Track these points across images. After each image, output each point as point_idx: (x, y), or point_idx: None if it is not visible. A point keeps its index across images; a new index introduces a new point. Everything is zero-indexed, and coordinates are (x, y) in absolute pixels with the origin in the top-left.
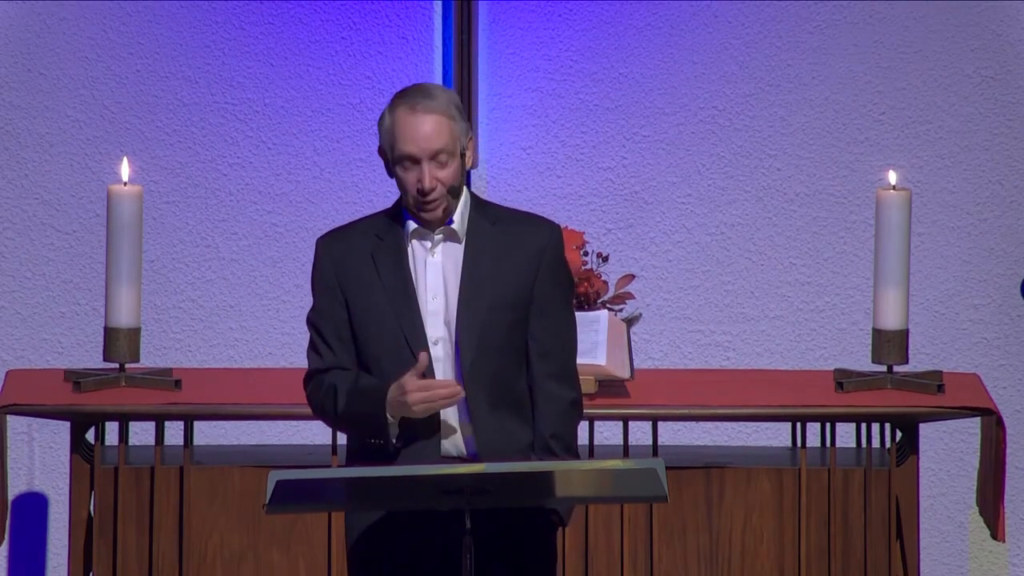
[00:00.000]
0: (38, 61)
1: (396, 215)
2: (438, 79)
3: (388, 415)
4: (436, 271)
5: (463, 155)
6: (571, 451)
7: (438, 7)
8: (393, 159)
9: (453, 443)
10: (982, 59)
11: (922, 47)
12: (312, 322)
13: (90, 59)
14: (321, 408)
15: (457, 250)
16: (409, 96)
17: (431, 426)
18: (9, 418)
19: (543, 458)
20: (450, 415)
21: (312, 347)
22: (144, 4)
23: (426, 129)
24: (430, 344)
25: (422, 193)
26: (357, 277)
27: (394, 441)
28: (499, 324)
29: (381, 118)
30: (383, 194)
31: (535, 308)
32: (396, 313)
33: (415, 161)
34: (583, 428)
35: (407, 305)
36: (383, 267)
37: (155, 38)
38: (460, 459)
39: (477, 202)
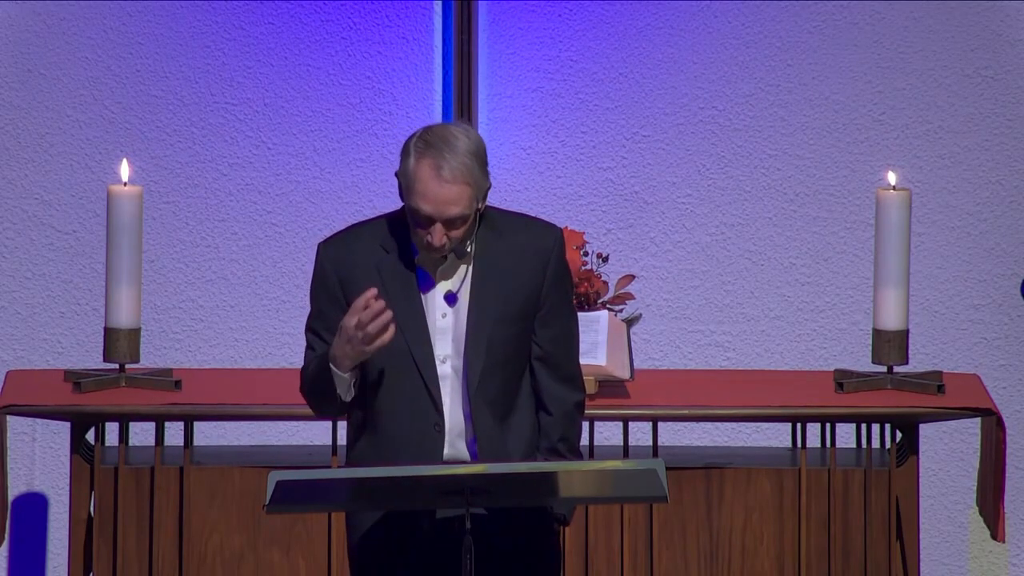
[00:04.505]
0: (38, 61)
1: (402, 226)
2: (438, 79)
3: (333, 366)
4: (445, 289)
5: (478, 210)
6: (575, 452)
7: (438, 7)
8: (407, 205)
9: (457, 453)
10: (982, 59)
11: (922, 47)
12: (311, 328)
13: (90, 59)
14: (302, 391)
15: (465, 267)
16: (435, 149)
17: (435, 435)
18: (10, 418)
19: (548, 459)
20: (455, 427)
21: (311, 351)
22: (144, 4)
23: (447, 197)
24: (437, 362)
25: (430, 247)
26: (362, 289)
27: (346, 398)
28: (507, 338)
29: (405, 151)
30: (383, 194)
31: (541, 316)
32: (403, 331)
33: (430, 219)
34: (583, 428)
35: (416, 324)
36: (391, 284)
37: (155, 38)
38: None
39: (483, 213)
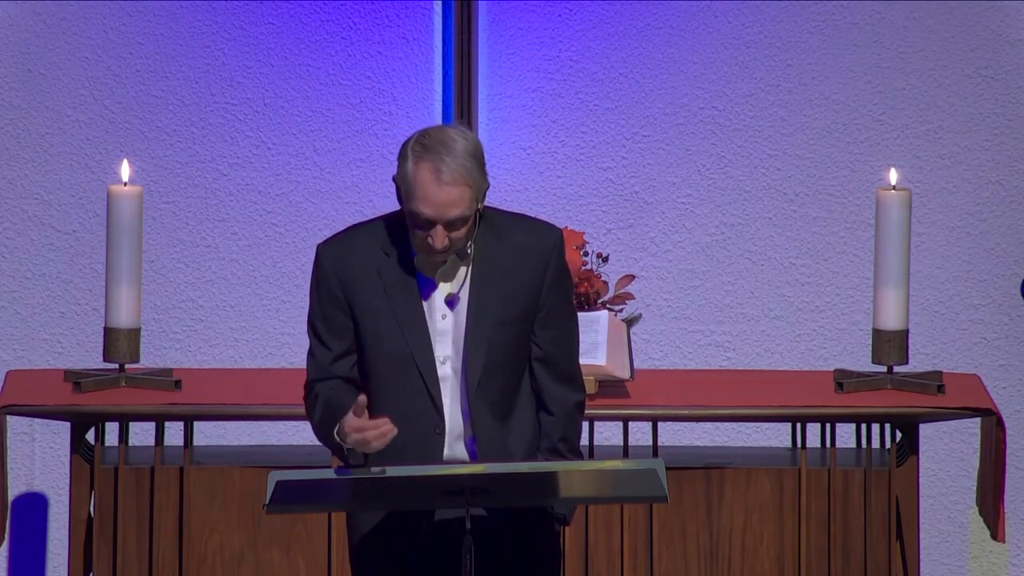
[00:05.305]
0: (38, 61)
1: (401, 228)
2: (438, 79)
3: (338, 438)
4: (445, 290)
5: (477, 210)
6: (576, 452)
7: (438, 7)
8: (407, 209)
9: (457, 455)
10: (982, 59)
11: (922, 47)
12: (313, 329)
13: (90, 59)
14: (309, 420)
15: (465, 268)
16: (434, 152)
17: (435, 436)
18: (10, 418)
19: (549, 459)
20: (454, 428)
21: (311, 355)
22: (144, 4)
23: (447, 199)
24: (437, 364)
25: (431, 249)
26: (362, 292)
27: (357, 461)
28: (507, 339)
29: (403, 155)
30: (383, 194)
31: (541, 317)
32: (404, 333)
33: (430, 222)
34: (583, 428)
35: (416, 326)
36: (391, 286)
37: (155, 38)
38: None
39: (483, 214)
